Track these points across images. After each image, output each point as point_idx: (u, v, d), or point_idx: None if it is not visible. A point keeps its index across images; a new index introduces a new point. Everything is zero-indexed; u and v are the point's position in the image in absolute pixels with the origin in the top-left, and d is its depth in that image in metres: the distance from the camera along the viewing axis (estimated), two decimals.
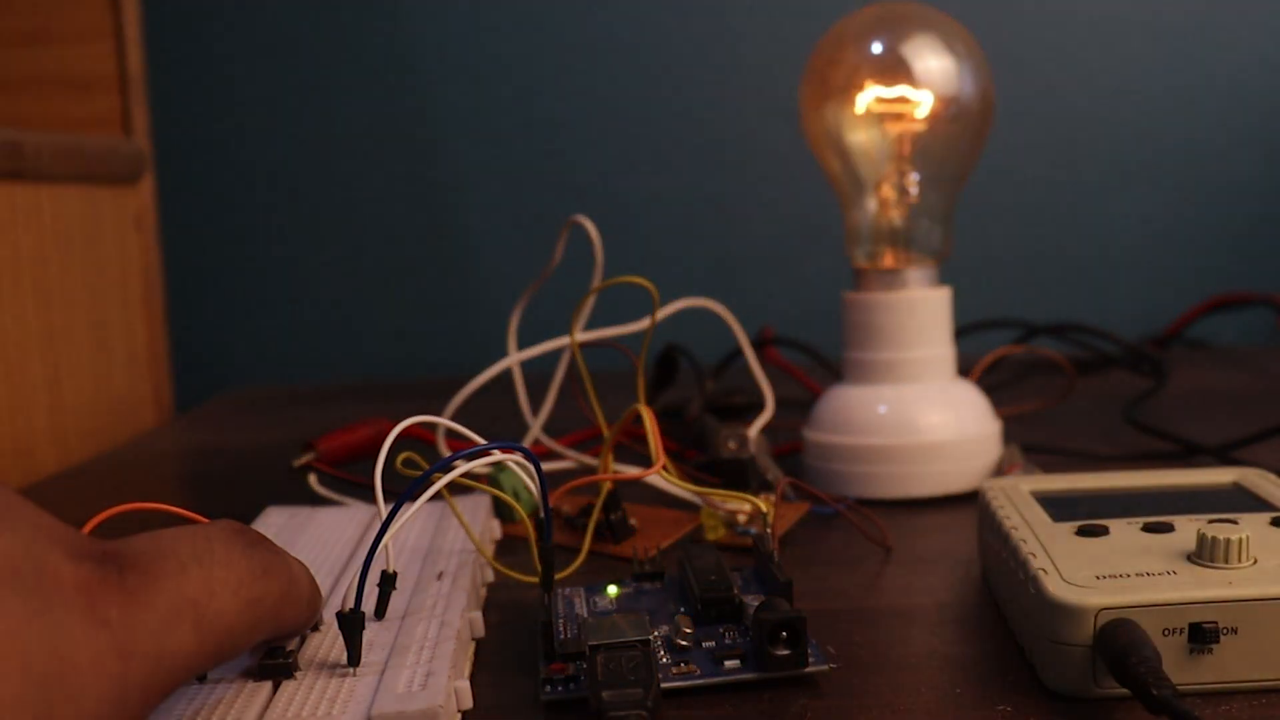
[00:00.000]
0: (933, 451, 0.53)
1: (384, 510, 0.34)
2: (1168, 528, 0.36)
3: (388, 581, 0.36)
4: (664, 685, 0.33)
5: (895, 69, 0.55)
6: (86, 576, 0.24)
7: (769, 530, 0.40)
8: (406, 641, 0.34)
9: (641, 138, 1.00)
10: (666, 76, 1.00)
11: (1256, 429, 0.59)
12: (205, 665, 0.27)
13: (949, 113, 0.55)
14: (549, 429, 0.62)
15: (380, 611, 0.36)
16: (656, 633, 0.36)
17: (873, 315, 0.55)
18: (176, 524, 0.30)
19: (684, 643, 0.35)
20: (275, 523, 0.48)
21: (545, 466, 0.45)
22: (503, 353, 0.58)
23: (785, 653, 0.33)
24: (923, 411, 0.54)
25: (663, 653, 0.35)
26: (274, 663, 0.32)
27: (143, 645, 0.25)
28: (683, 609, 0.38)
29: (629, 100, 1.00)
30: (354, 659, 0.32)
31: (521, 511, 0.43)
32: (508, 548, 0.48)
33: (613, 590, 0.40)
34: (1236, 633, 0.31)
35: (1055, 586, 0.32)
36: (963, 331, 0.78)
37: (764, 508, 0.41)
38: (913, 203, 0.56)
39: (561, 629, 0.36)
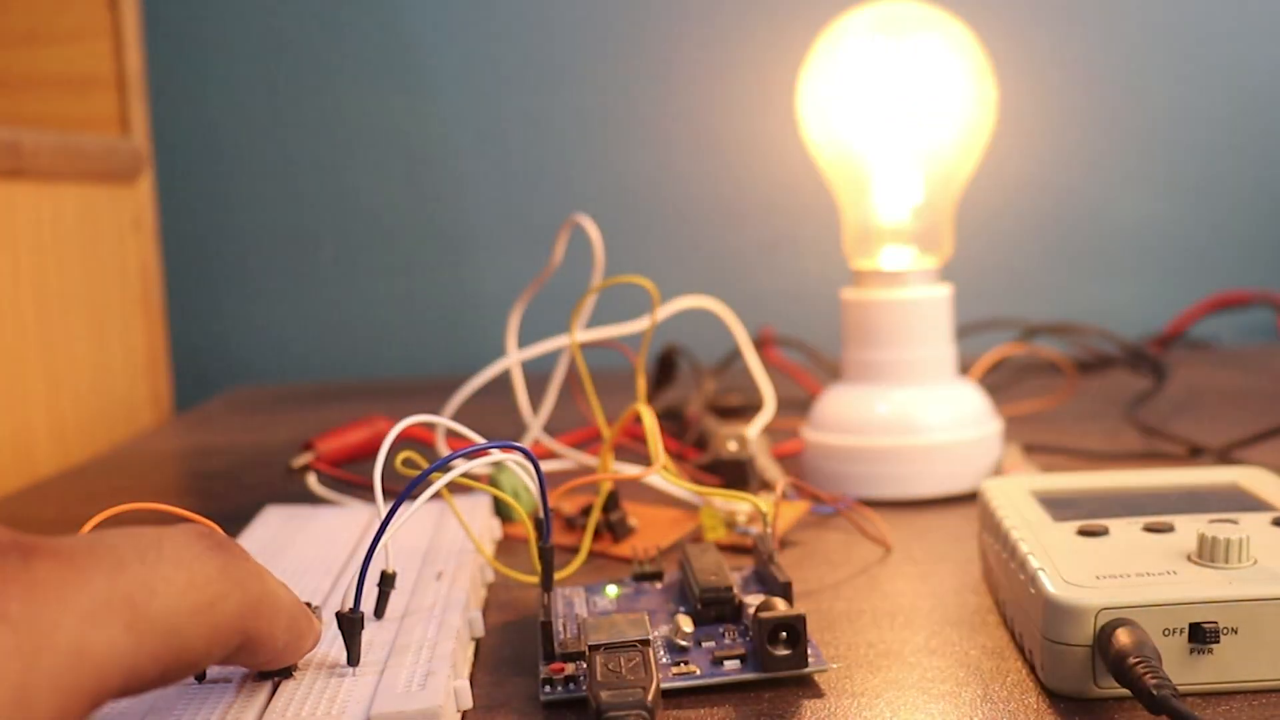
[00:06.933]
0: (933, 452, 0.53)
1: (383, 510, 0.34)
2: (1168, 528, 0.36)
3: (387, 581, 0.36)
4: (664, 685, 0.32)
5: (895, 68, 0.55)
6: None
7: (769, 530, 0.40)
8: (406, 641, 0.34)
9: (641, 138, 1.00)
10: (667, 76, 1.00)
11: (1256, 429, 0.59)
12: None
13: (949, 112, 0.55)
14: (549, 429, 0.62)
15: (380, 611, 0.36)
16: (656, 633, 0.36)
17: (873, 315, 0.55)
18: (174, 524, 0.30)
19: (684, 643, 0.35)
20: (274, 523, 0.48)
21: (545, 466, 0.45)
22: (503, 353, 0.58)
23: (785, 653, 0.33)
24: (923, 411, 0.54)
25: (663, 653, 0.35)
26: None
27: (54, 641, 0.23)
28: (683, 609, 0.38)
29: (629, 100, 1.00)
30: (353, 659, 0.32)
31: (521, 511, 0.43)
32: (508, 548, 0.48)
33: (613, 590, 0.40)
34: (1237, 633, 0.31)
35: (1055, 586, 0.32)
36: (963, 331, 0.78)
37: (764, 508, 0.41)
38: (913, 203, 0.56)
39: (561, 629, 0.36)
